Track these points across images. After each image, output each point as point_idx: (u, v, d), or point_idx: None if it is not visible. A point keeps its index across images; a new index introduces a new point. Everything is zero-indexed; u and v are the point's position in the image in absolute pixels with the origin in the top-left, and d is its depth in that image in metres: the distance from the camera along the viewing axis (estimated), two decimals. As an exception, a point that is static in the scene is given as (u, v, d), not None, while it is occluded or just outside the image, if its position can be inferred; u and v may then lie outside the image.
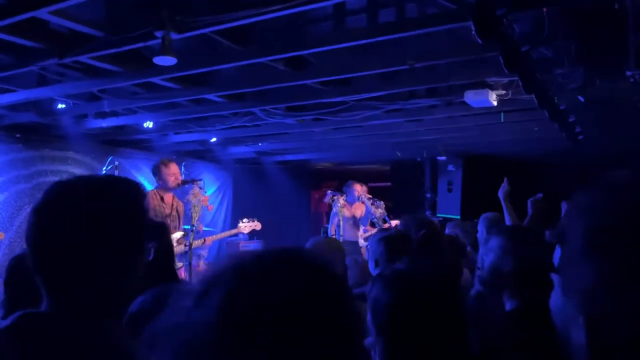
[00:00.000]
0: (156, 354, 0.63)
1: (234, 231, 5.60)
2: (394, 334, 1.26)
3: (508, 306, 1.80)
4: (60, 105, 5.57)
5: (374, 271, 2.70)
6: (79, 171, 7.19)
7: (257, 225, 5.63)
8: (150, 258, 1.08)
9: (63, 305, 0.97)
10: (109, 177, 1.17)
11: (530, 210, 3.27)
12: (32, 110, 5.74)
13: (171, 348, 0.62)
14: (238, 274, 0.65)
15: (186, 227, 4.79)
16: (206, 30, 3.31)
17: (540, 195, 3.34)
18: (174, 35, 3.25)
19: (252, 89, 5.04)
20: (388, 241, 2.60)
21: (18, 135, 6.53)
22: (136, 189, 1.09)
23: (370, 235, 6.04)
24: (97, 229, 0.98)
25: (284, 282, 0.64)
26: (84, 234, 0.97)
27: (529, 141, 7.06)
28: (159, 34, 3.22)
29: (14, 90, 5.01)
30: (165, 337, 0.63)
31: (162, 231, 1.99)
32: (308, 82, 4.64)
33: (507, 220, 3.57)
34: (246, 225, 5.53)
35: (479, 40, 2.68)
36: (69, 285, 0.97)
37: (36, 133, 6.67)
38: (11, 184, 6.50)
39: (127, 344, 0.97)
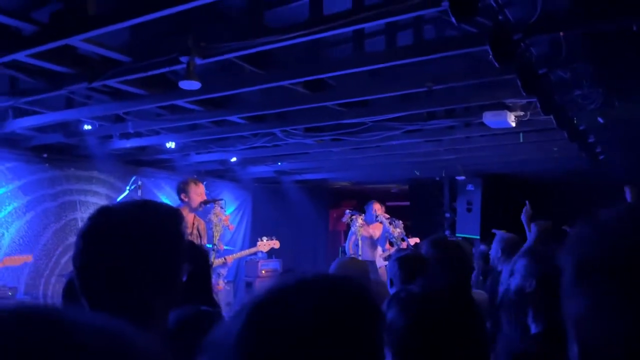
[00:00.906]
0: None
1: (253, 250, 5.66)
2: (409, 357, 1.28)
3: (533, 329, 1.81)
4: (86, 127, 5.74)
5: (391, 291, 2.73)
6: (103, 190, 7.35)
7: (275, 244, 5.68)
8: (185, 279, 1.14)
9: None
10: (149, 203, 1.24)
11: (535, 233, 3.28)
12: (59, 131, 5.92)
13: (209, 355, 0.68)
14: (267, 296, 0.70)
15: (208, 245, 4.86)
16: (229, 56, 3.41)
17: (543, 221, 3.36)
18: (198, 61, 3.35)
19: (272, 111, 5.14)
20: (403, 261, 2.62)
21: (45, 156, 6.71)
22: (174, 215, 1.16)
23: (389, 255, 6.05)
24: (138, 252, 1.05)
25: (324, 312, 0.68)
26: (126, 257, 1.04)
27: (548, 161, 7.04)
28: (184, 59, 3.33)
29: (43, 113, 5.19)
30: (209, 346, 0.69)
31: (201, 254, 2.05)
32: (327, 104, 4.72)
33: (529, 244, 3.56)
34: (265, 244, 5.58)
35: (496, 64, 2.73)
36: (112, 304, 1.03)
37: (62, 153, 6.85)
38: (37, 203, 6.67)
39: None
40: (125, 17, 2.91)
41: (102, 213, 1.09)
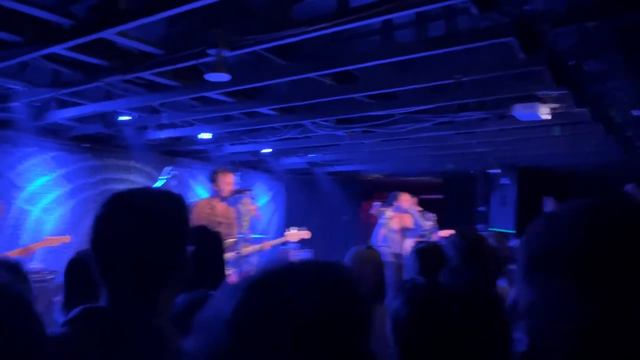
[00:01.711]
0: (188, 344, 0.73)
1: (281, 239, 5.72)
2: (410, 347, 1.30)
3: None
4: (124, 118, 5.93)
5: (409, 280, 2.75)
6: (140, 179, 7.59)
7: (305, 234, 5.70)
8: (194, 263, 1.21)
9: (119, 301, 1.11)
10: (158, 190, 1.33)
11: None
12: (98, 122, 6.14)
13: (199, 341, 0.71)
14: (259, 283, 0.72)
15: (239, 235, 4.97)
16: (257, 48, 3.47)
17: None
18: (227, 53, 3.43)
19: (302, 103, 5.19)
20: (420, 253, 2.63)
21: (86, 145, 6.98)
22: (180, 201, 1.23)
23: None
24: (148, 234, 1.13)
25: (301, 295, 0.70)
26: (137, 238, 1.12)
27: (584, 154, 6.85)
28: (212, 52, 3.41)
29: (83, 104, 5.39)
30: (197, 331, 0.72)
31: (214, 238, 2.12)
32: (355, 95, 4.73)
33: None
34: (294, 234, 5.62)
35: (523, 55, 2.69)
36: (124, 282, 1.11)
37: (102, 143, 7.10)
38: (79, 190, 6.95)
39: (173, 339, 1.10)
40: (156, 10, 3.00)
41: (114, 198, 1.17)
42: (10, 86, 4.81)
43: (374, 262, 2.52)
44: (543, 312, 0.67)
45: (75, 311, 1.10)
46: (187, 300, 1.37)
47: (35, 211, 6.49)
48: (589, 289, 0.63)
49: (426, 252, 2.55)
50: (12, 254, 3.70)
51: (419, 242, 3.12)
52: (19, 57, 3.78)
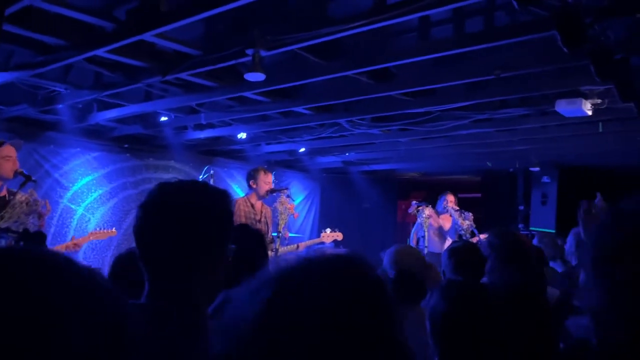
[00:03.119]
0: (214, 342, 0.72)
1: (317, 240, 5.75)
2: (449, 343, 1.29)
3: None
4: (163, 118, 6.05)
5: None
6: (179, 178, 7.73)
7: (338, 236, 5.76)
8: (233, 261, 1.21)
9: (158, 295, 1.12)
10: (203, 183, 1.34)
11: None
12: (138, 122, 6.28)
13: (224, 338, 0.70)
14: (284, 279, 0.72)
15: (273, 234, 5.01)
16: (293, 47, 3.48)
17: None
18: (263, 53, 3.45)
19: (338, 101, 5.17)
20: (454, 253, 2.59)
21: (126, 146, 7.16)
22: (225, 195, 1.23)
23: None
24: (191, 224, 1.14)
25: (323, 290, 0.68)
26: (180, 227, 1.14)
27: (631, 152, 6.60)
28: (249, 52, 3.43)
29: (124, 105, 5.53)
30: (222, 328, 0.72)
31: (253, 237, 2.13)
32: (392, 93, 4.69)
33: None
34: (329, 235, 5.67)
35: (565, 50, 2.61)
36: (164, 273, 1.13)
37: (142, 143, 7.27)
38: (120, 190, 7.14)
39: (208, 334, 1.11)
40: (195, 11, 3.04)
41: (160, 188, 1.19)
42: (55, 88, 4.97)
43: (415, 259, 2.49)
44: (612, 309, 0.64)
45: None
46: (224, 298, 1.38)
47: (79, 210, 6.70)
48: None
49: (458, 251, 2.51)
50: (59, 248, 3.82)
51: (454, 242, 3.06)
52: (63, 61, 3.90)
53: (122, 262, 1.94)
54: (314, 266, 0.74)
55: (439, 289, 1.38)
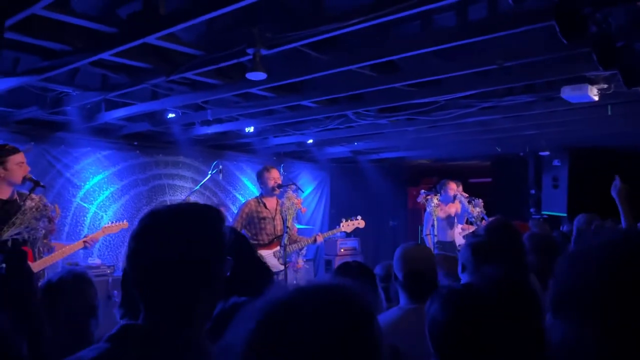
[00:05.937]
0: None
1: (337, 230, 5.69)
2: (448, 354, 1.30)
3: None
4: (170, 115, 6.10)
5: (461, 275, 2.72)
6: (188, 174, 7.80)
7: (360, 223, 5.60)
8: (229, 273, 1.25)
9: (154, 316, 1.16)
10: (194, 204, 1.37)
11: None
12: (146, 120, 6.33)
13: None
14: (269, 310, 0.74)
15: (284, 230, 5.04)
16: (293, 45, 3.48)
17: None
18: (264, 51, 3.46)
19: (343, 94, 5.17)
20: (475, 247, 2.60)
21: (135, 143, 7.24)
22: (215, 216, 1.26)
23: (468, 234, 5.93)
24: (181, 249, 1.17)
25: (305, 327, 0.70)
26: (172, 256, 1.16)
27: (638, 133, 6.53)
28: (250, 51, 3.45)
29: (131, 104, 5.58)
30: (219, 351, 0.75)
31: (246, 247, 2.14)
32: (396, 85, 4.68)
33: (623, 223, 3.33)
34: (349, 224, 5.58)
35: (564, 41, 2.59)
36: (159, 298, 1.16)
37: (150, 140, 7.34)
38: (131, 187, 7.23)
39: (207, 352, 1.14)
40: (196, 14, 3.06)
41: (150, 216, 1.22)
42: (64, 90, 5.03)
43: (424, 258, 2.50)
44: (569, 351, 0.66)
45: (115, 328, 1.15)
46: (220, 310, 1.41)
47: (92, 208, 6.80)
48: (608, 330, 0.62)
49: (479, 246, 2.52)
50: (74, 246, 3.89)
51: (475, 236, 3.06)
52: (69, 65, 3.95)
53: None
54: (301, 300, 0.75)
55: (439, 297, 1.39)
